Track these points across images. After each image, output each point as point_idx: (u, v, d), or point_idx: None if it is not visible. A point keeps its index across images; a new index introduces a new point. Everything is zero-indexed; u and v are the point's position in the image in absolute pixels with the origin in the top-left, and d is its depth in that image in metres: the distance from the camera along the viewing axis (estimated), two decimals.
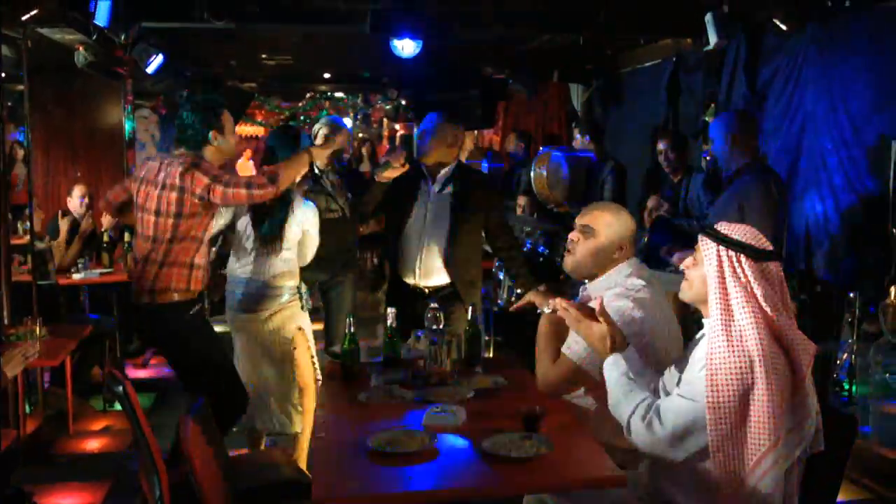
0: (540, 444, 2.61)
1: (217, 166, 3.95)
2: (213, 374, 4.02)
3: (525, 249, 6.51)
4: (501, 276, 6.61)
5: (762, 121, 5.64)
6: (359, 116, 16.00)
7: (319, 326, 5.39)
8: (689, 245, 5.19)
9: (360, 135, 17.60)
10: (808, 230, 5.48)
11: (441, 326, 3.70)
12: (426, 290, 4.56)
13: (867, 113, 4.99)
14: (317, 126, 5.55)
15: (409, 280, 4.59)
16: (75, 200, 7.14)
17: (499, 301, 6.48)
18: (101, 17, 4.55)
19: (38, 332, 4.24)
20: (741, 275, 2.46)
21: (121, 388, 3.02)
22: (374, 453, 2.62)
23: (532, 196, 7.68)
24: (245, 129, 16.37)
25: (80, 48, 6.19)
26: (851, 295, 5.11)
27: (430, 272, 4.55)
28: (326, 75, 10.68)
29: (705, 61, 6.47)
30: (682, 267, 2.70)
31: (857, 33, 5.01)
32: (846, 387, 5.64)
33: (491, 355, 5.53)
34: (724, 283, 2.48)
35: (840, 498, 2.78)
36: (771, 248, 2.53)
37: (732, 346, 2.41)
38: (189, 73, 7.50)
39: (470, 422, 2.90)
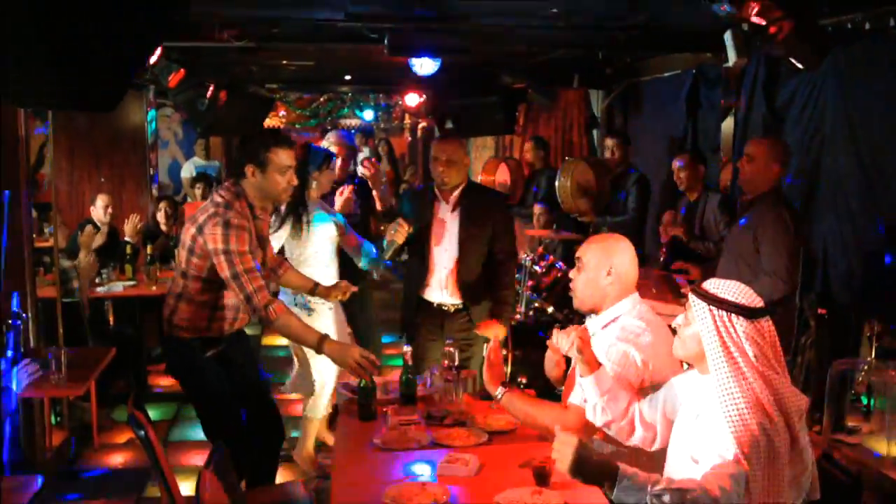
0: (550, 501, 2.67)
1: (259, 205, 3.91)
2: (215, 420, 4.03)
3: (543, 262, 6.55)
4: (519, 290, 6.64)
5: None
6: (379, 113, 16.03)
7: None
8: (702, 266, 5.25)
9: (382, 125, 17.66)
10: (826, 252, 5.47)
11: (456, 364, 3.77)
12: (451, 308, 4.77)
13: (886, 138, 4.96)
14: (325, 142, 5.66)
15: (434, 298, 4.77)
16: (99, 210, 7.23)
17: (517, 315, 6.51)
18: None
19: (62, 359, 4.32)
20: (734, 334, 2.48)
21: (143, 432, 3.10)
22: None
23: (549, 205, 7.69)
24: (266, 122, 16.45)
25: None
26: (871, 322, 5.13)
27: (456, 289, 4.74)
28: (347, 77, 10.71)
29: (725, 77, 6.45)
30: (673, 325, 2.73)
31: (877, 58, 4.97)
32: (864, 401, 5.66)
33: (509, 370, 5.58)
34: (723, 342, 2.49)
35: None
36: (762, 304, 2.53)
37: (748, 405, 2.42)
38: (210, 82, 7.55)
39: (483, 471, 2.96)
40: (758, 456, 2.37)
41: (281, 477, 5.00)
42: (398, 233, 4.54)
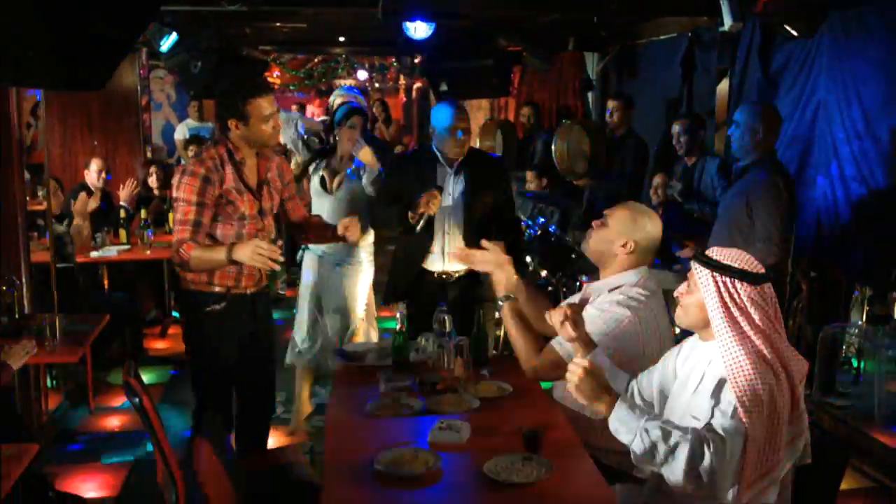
0: (540, 468, 2.70)
1: (252, 148, 3.85)
2: (201, 376, 4.01)
3: (538, 225, 6.55)
4: None
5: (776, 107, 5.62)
6: (373, 74, 15.92)
7: None
8: (698, 231, 5.27)
9: (377, 85, 17.56)
10: (819, 218, 5.50)
11: (448, 330, 3.79)
12: (453, 276, 4.68)
13: (880, 105, 4.97)
14: (333, 97, 5.65)
15: (437, 267, 4.67)
16: (93, 174, 7.20)
17: None
18: None
19: (57, 326, 4.33)
20: (738, 300, 2.51)
21: (137, 399, 3.11)
22: (380, 473, 2.71)
23: (543, 170, 7.68)
24: None
25: None
26: (862, 287, 5.17)
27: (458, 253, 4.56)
28: (341, 39, 10.64)
29: (720, 40, 6.42)
30: (675, 294, 2.76)
31: (873, 24, 4.96)
32: (854, 364, 5.73)
33: (503, 333, 5.62)
34: (727, 308, 2.52)
35: (842, 486, 2.84)
36: (763, 270, 2.57)
37: (754, 364, 2.45)
38: (203, 45, 7.48)
39: (474, 438, 2.99)
40: (759, 411, 2.41)
41: (275, 441, 5.06)
42: (432, 205, 4.39)
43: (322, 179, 5.10)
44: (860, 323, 5.45)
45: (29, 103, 7.17)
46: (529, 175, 7.79)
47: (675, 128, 6.05)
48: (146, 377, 5.96)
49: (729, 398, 2.46)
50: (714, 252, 2.61)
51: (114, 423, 5.59)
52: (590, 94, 9.14)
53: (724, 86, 6.52)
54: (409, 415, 3.22)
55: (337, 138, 5.12)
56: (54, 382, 5.83)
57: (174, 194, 3.73)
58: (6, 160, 4.85)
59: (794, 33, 4.31)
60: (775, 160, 4.61)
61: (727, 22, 5.35)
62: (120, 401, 5.88)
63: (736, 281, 2.52)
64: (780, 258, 4.46)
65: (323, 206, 5.09)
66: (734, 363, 2.46)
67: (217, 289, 3.87)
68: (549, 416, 3.17)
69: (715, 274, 2.55)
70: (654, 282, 3.41)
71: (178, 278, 3.95)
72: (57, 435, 5.32)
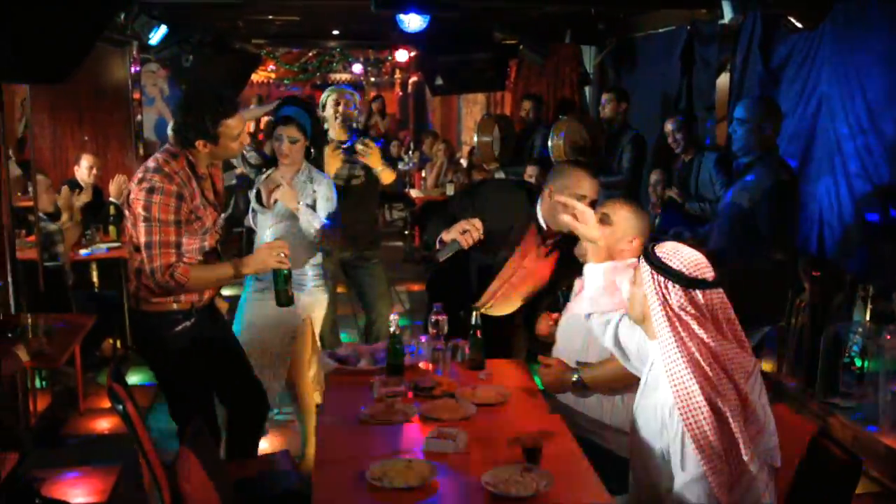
0: (540, 480, 2.60)
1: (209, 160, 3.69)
2: (180, 402, 3.81)
3: None
4: None
5: (777, 101, 5.53)
6: (369, 68, 15.80)
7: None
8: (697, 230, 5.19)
9: (373, 79, 17.45)
10: (822, 215, 5.41)
11: (445, 333, 3.69)
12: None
13: (885, 100, 4.88)
14: (325, 94, 5.49)
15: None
16: (83, 171, 7.08)
17: None
18: None
19: (40, 330, 4.21)
20: (671, 301, 2.47)
21: (121, 406, 3.02)
22: (372, 485, 2.61)
23: (542, 165, 7.57)
24: (255, 76, 16.27)
25: None
26: (866, 285, 5.08)
27: (504, 308, 4.04)
28: (335, 32, 10.52)
29: (720, 33, 6.32)
30: (627, 282, 2.76)
31: (876, 18, 4.87)
32: (858, 363, 5.64)
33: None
34: (664, 306, 2.48)
35: None
36: (709, 276, 2.49)
37: (690, 372, 2.41)
38: (194, 38, 7.37)
39: (471, 447, 2.89)
40: (702, 417, 2.38)
41: (269, 445, 4.96)
42: (468, 235, 3.64)
43: (259, 192, 4.55)
44: (864, 322, 5.37)
45: (20, 96, 7.04)
46: (530, 169, 7.69)
47: (668, 126, 5.98)
48: (138, 377, 5.89)
49: (682, 436, 2.42)
50: (663, 249, 2.56)
51: (103, 425, 5.48)
52: (587, 88, 9.03)
53: (724, 80, 6.43)
54: (403, 421, 3.13)
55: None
56: (43, 384, 5.72)
57: (145, 213, 3.47)
58: None
59: (799, 25, 4.20)
60: (777, 156, 4.52)
61: (727, 14, 5.24)
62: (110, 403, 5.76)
63: (669, 283, 2.48)
64: (783, 255, 4.38)
65: (265, 223, 4.55)
66: (673, 369, 2.43)
67: (177, 305, 3.66)
68: (549, 424, 3.07)
69: (653, 272, 2.52)
70: None
71: (130, 300, 3.70)
72: (45, 438, 5.21)
